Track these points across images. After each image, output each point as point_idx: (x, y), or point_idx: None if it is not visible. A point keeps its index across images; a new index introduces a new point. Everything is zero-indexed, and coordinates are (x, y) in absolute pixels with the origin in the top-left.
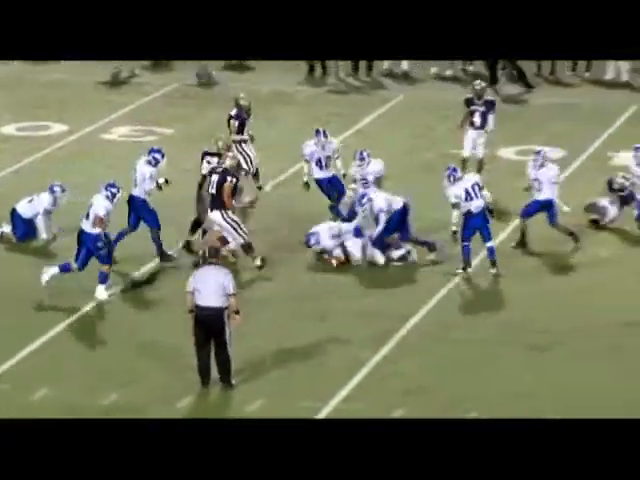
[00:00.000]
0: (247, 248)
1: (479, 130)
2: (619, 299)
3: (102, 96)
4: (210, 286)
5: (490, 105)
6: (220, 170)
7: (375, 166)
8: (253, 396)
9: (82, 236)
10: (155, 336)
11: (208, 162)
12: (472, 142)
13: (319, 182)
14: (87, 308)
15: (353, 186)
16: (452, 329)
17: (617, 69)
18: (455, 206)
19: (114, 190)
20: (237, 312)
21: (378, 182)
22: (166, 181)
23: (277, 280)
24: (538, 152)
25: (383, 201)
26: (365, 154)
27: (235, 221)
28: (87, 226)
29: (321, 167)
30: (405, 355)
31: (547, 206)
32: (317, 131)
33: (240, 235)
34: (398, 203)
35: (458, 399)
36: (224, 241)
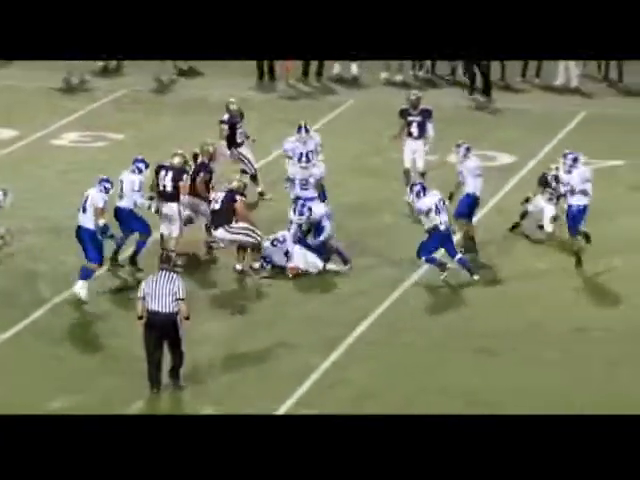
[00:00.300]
0: (255, 249)
1: (417, 140)
2: (562, 308)
3: (52, 101)
4: (162, 292)
5: (427, 114)
6: (226, 189)
7: (317, 169)
8: (204, 401)
9: (80, 232)
10: (107, 340)
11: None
12: (412, 153)
13: None
14: (40, 312)
15: (287, 185)
16: (401, 333)
17: (567, 75)
18: (429, 212)
19: (107, 185)
20: (187, 317)
21: (318, 185)
22: (157, 210)
23: (228, 285)
24: (459, 145)
25: (322, 207)
26: (311, 156)
27: (244, 228)
28: (84, 220)
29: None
30: (355, 360)
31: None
32: (299, 127)
33: (254, 237)
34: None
35: (407, 403)
36: (258, 249)
